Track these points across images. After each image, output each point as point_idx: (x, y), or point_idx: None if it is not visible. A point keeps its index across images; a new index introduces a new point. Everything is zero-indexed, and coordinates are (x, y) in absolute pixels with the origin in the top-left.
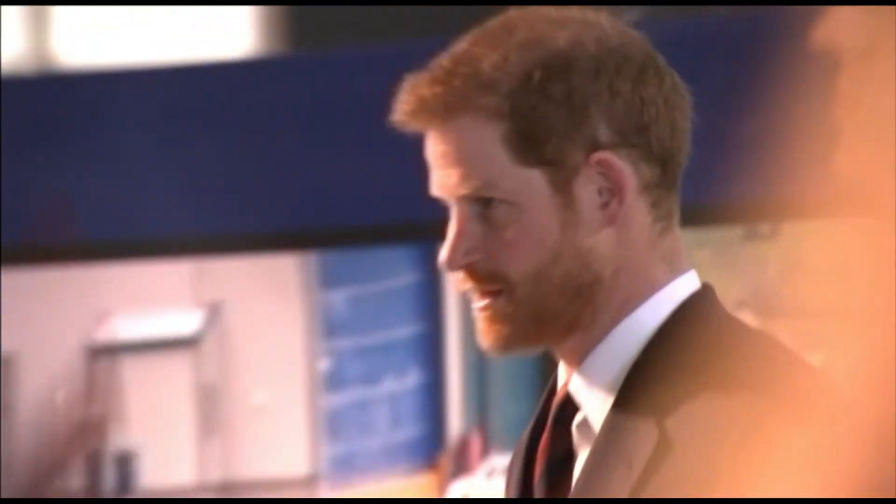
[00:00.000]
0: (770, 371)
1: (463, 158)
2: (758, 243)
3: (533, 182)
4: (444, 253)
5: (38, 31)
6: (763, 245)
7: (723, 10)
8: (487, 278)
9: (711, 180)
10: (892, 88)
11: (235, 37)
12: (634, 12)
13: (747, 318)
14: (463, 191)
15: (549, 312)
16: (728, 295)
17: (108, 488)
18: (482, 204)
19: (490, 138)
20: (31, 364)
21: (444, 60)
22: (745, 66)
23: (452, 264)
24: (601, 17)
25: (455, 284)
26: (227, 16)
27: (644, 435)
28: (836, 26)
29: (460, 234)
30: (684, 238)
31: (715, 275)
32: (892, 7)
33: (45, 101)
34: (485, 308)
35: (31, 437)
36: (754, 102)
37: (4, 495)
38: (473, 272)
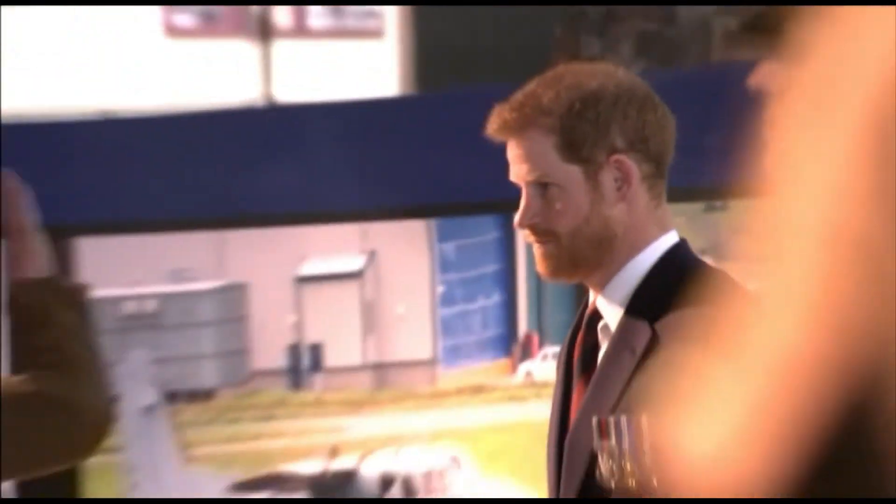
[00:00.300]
0: (722, 293)
1: (530, 157)
2: (715, 213)
3: (573, 174)
4: (517, 218)
5: (265, 76)
6: (718, 214)
7: (695, 65)
8: (543, 234)
9: (686, 172)
10: (798, 116)
11: (385, 80)
12: (640, 64)
13: (708, 261)
14: (530, 178)
15: (582, 256)
16: (695, 246)
17: (304, 367)
18: (541, 187)
19: (547, 145)
20: (257, 290)
21: (518, 95)
22: (709, 101)
23: (522, 225)
24: (619, 69)
25: (523, 238)
26: (378, 66)
27: (642, 332)
28: (764, 75)
29: (527, 206)
30: (670, 209)
31: (687, 233)
32: (796, 63)
33: (268, 124)
34: (540, 250)
35: (258, 337)
36: (714, 123)
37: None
38: (534, 230)
